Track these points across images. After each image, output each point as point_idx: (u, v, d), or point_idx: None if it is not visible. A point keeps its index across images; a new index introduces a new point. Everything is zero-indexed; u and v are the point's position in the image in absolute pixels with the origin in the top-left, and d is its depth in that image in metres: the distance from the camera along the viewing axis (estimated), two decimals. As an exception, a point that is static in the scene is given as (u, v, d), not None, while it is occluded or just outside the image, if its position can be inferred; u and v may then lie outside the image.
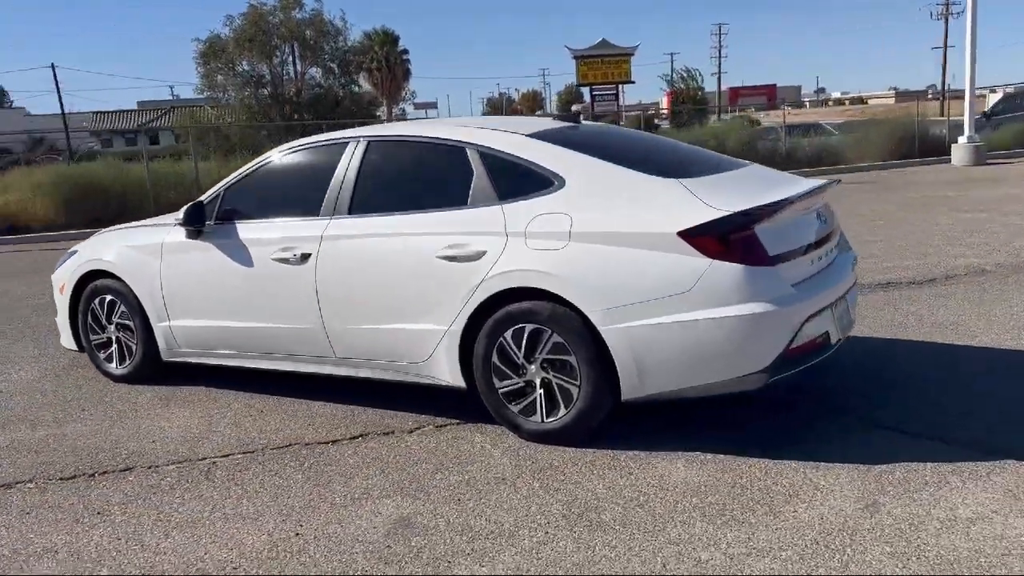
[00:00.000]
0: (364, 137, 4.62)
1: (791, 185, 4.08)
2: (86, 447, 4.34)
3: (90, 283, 5.48)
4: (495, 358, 3.99)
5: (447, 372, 4.17)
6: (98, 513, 3.55)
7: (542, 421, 3.94)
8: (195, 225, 4.90)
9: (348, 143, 4.63)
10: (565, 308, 3.78)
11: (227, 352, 4.97)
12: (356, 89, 53.59)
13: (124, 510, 3.56)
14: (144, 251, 5.20)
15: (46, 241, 14.72)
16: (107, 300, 5.40)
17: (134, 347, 5.34)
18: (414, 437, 4.19)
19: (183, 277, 5.02)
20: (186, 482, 3.81)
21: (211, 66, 49.37)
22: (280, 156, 4.92)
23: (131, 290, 5.24)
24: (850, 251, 4.63)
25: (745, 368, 3.61)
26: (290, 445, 4.20)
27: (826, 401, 4.35)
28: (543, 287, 3.83)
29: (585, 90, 28.10)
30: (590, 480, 3.55)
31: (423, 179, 4.44)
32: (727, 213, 3.60)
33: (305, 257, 4.49)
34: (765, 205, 3.68)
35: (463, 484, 3.59)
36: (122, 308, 5.33)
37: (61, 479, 3.94)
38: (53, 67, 55.61)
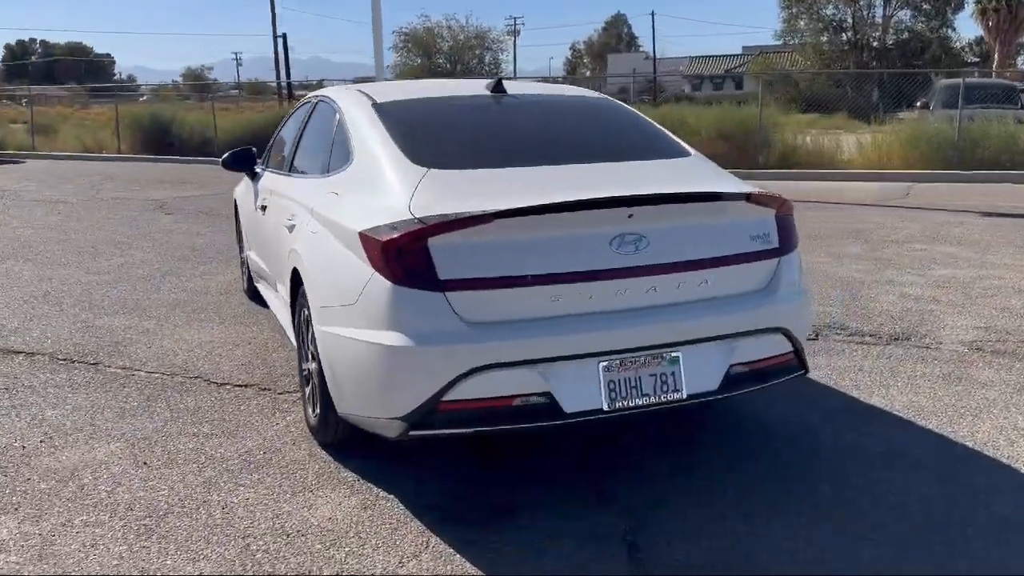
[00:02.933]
0: (318, 96, 4.62)
1: (617, 189, 3.01)
2: (119, 340, 5.28)
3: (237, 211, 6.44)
4: (300, 336, 3.81)
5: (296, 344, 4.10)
6: (-7, 389, 4.41)
7: (311, 413, 3.69)
8: (230, 168, 5.46)
9: (310, 102, 4.70)
10: None
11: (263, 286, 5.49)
12: (950, 33, 48.16)
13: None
14: (244, 185, 5.93)
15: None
16: (239, 226, 6.30)
17: (247, 270, 6.17)
18: (264, 400, 4.22)
19: (245, 214, 5.65)
20: (78, 386, 4.46)
21: (793, 11, 48.94)
22: (293, 111, 5.18)
23: (240, 219, 6.06)
24: (759, 290, 3.23)
25: (384, 410, 2.94)
26: (197, 378, 4.59)
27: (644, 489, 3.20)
28: (300, 271, 3.54)
29: None
30: (240, 490, 3.25)
31: (315, 142, 4.32)
32: (399, 218, 2.90)
33: (264, 209, 4.75)
34: (458, 213, 2.83)
35: (185, 453, 3.60)
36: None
37: (57, 359, 4.93)
38: (652, 14, 60.75)
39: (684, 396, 3.03)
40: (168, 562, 2.76)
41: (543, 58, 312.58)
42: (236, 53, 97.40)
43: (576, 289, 2.90)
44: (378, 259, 2.89)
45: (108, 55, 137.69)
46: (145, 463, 3.50)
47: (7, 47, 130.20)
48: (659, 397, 2.99)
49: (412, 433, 2.87)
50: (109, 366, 4.78)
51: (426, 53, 54.36)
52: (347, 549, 2.82)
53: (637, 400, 2.96)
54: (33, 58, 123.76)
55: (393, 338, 2.83)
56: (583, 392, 2.90)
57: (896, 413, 3.92)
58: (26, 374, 4.65)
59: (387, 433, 2.99)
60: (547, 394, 2.86)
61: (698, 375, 3.06)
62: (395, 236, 2.85)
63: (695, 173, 3.53)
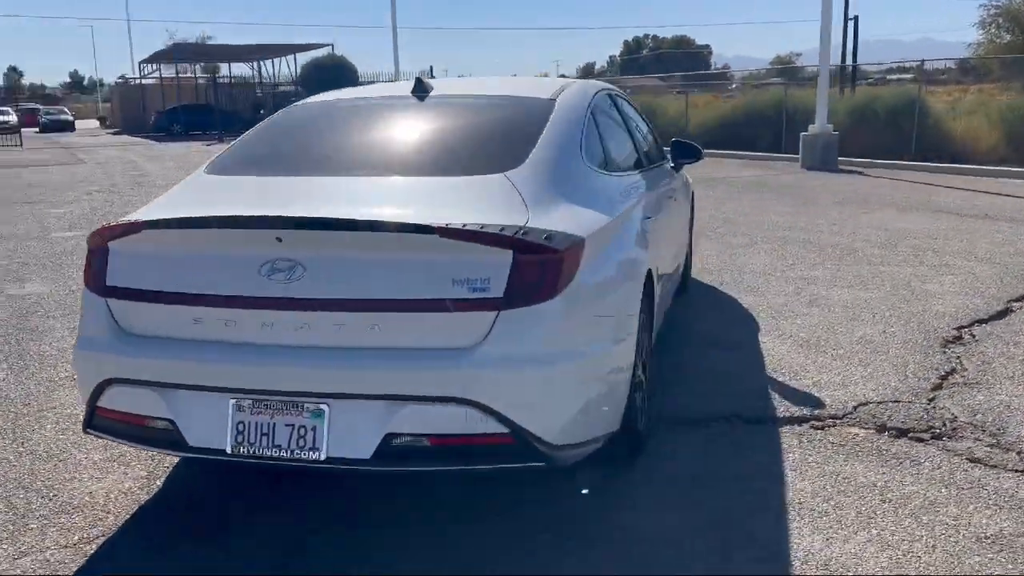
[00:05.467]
0: None
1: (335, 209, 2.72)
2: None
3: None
4: None
5: None
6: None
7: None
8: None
9: None
10: None
11: None
12: None
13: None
14: None
15: (982, 175, 14.03)
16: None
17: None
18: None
19: None
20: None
21: None
22: None
23: None
24: (455, 348, 2.56)
25: None
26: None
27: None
28: None
29: None
30: (96, 451, 3.67)
31: None
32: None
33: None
34: (135, 219, 2.84)
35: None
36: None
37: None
38: None
39: (322, 458, 2.58)
40: (-45, 492, 3.31)
41: None
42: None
43: (217, 314, 2.68)
44: None
45: (707, 46, 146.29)
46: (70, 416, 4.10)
47: (625, 43, 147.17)
48: (293, 452, 2.61)
49: (87, 430, 2.96)
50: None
51: (1020, 27, 47.09)
52: (40, 524, 3.05)
53: (267, 450, 2.62)
54: (644, 52, 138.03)
55: (77, 338, 2.96)
56: (209, 428, 2.68)
57: (796, 563, 2.66)
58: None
59: None
60: (171, 422, 2.71)
61: (346, 437, 2.57)
62: (99, 237, 2.93)
63: (462, 195, 2.87)
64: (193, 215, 2.74)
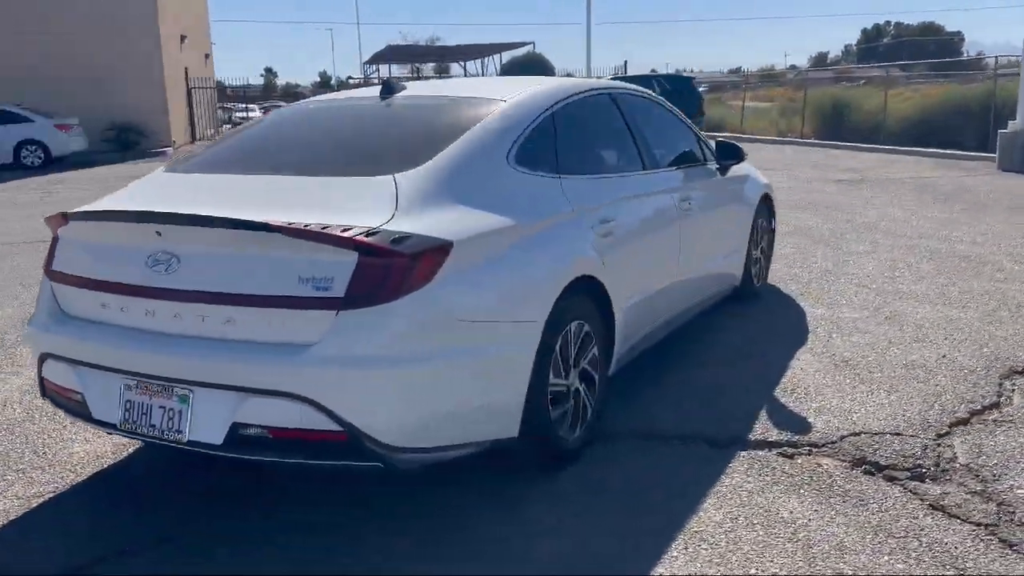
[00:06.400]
0: None
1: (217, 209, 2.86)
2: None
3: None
4: None
5: None
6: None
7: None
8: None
9: None
10: None
11: None
12: None
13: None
14: None
15: None
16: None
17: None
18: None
19: None
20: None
21: None
22: None
23: None
24: (295, 344, 2.65)
25: None
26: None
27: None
28: None
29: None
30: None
31: None
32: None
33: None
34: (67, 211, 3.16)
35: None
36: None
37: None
38: None
39: (185, 440, 2.76)
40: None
41: None
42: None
43: (116, 300, 2.93)
44: None
45: (958, 32, 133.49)
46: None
47: (863, 31, 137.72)
48: (163, 433, 2.81)
49: (43, 397, 3.31)
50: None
51: None
52: (15, 476, 3.47)
53: (145, 429, 2.85)
54: (885, 40, 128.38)
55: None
56: (106, 403, 2.94)
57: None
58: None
59: None
60: (82, 395, 2.99)
61: (204, 422, 2.74)
62: (48, 224, 3.27)
63: (340, 195, 2.92)
64: (105, 208, 3.01)
